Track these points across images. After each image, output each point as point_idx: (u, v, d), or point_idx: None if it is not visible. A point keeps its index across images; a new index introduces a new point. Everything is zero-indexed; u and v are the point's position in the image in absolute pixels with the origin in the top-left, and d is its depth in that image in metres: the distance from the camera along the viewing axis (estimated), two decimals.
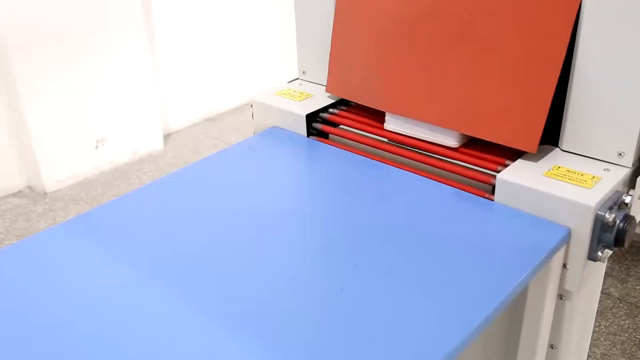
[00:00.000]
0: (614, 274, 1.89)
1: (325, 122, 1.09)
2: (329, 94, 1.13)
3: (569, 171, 0.86)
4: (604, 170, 0.86)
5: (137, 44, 2.60)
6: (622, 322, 1.72)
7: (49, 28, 2.30)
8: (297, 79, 1.23)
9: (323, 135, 1.09)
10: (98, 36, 2.46)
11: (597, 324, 1.70)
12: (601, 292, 0.97)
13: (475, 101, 0.93)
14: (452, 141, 0.95)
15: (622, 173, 0.85)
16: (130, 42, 2.57)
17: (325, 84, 1.16)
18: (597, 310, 0.98)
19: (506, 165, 0.88)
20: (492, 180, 0.88)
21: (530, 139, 0.86)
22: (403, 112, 0.99)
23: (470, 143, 0.96)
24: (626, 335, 1.68)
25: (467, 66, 0.94)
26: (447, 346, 0.62)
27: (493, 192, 0.87)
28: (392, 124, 1.02)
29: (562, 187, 0.82)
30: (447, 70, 0.96)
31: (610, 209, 0.80)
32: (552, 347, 0.94)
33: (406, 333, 0.65)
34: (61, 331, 0.67)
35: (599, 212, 0.79)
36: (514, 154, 0.90)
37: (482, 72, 0.92)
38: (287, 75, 1.27)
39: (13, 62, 2.24)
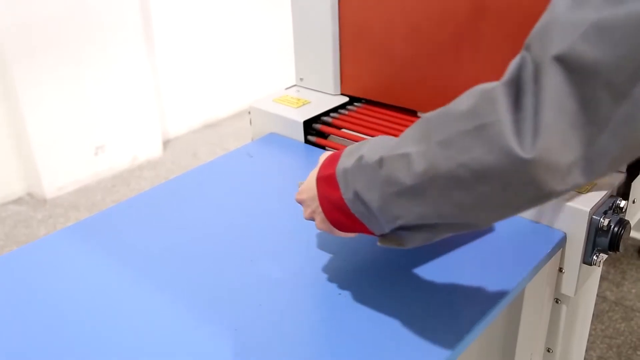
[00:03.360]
0: (609, 278, 1.90)
1: (322, 130, 1.10)
2: (326, 99, 1.14)
3: None
4: None
5: (136, 51, 2.60)
6: (618, 325, 1.72)
7: (48, 35, 2.30)
8: (295, 85, 1.24)
9: (321, 139, 1.10)
10: (97, 43, 2.46)
11: (593, 327, 1.70)
12: (597, 295, 0.97)
13: None
14: None
15: (617, 178, 0.86)
16: (129, 49, 2.57)
17: (322, 91, 1.17)
18: (593, 314, 0.98)
19: None
20: None
21: None
22: (426, 109, 1.00)
23: None
24: (622, 338, 1.68)
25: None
26: (444, 351, 0.63)
27: None
28: None
29: None
30: (460, 63, 0.96)
31: (605, 213, 0.81)
32: (548, 351, 0.95)
33: (403, 338, 0.65)
34: (61, 337, 0.68)
35: (594, 217, 0.80)
36: None
37: (495, 67, 0.92)
38: (285, 81, 1.28)
39: (13, 69, 2.25)
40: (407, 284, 0.74)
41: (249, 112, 1.16)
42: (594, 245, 0.81)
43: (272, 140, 1.12)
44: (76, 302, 0.73)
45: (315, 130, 1.10)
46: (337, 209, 0.63)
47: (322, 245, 0.83)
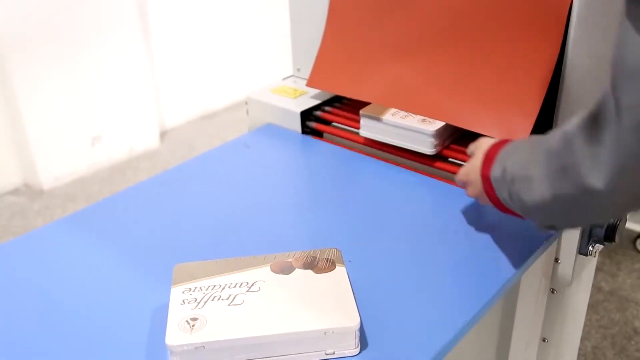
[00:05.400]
0: (604, 269, 1.91)
1: (319, 119, 1.10)
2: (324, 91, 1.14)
3: None
4: None
5: (133, 42, 2.59)
6: (613, 315, 1.74)
7: (45, 26, 2.29)
8: (292, 75, 1.23)
9: (317, 132, 1.10)
10: (94, 34, 2.45)
11: (588, 317, 1.71)
12: (592, 286, 0.98)
13: (467, 93, 0.94)
14: (427, 148, 0.94)
15: None
16: (126, 39, 2.56)
17: None
18: (588, 304, 0.99)
19: None
20: None
21: (522, 132, 0.87)
22: (390, 104, 1.00)
23: (458, 140, 0.97)
24: (617, 328, 1.69)
25: (460, 58, 0.95)
26: (441, 340, 0.64)
27: None
28: (367, 129, 1.00)
29: None
30: (437, 62, 0.97)
31: None
32: (544, 340, 0.95)
33: (401, 328, 0.66)
34: (58, 326, 0.68)
35: None
36: None
37: (474, 64, 0.93)
38: (282, 72, 1.28)
39: (9, 59, 2.23)
40: (402, 275, 0.74)
41: (246, 103, 1.16)
42: (590, 235, 0.82)
43: (269, 130, 1.12)
44: (73, 292, 0.73)
45: (312, 120, 1.10)
46: (499, 203, 0.75)
47: (319, 236, 0.83)
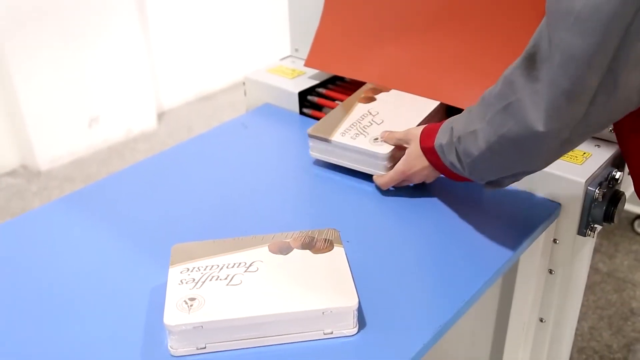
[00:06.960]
0: (602, 250, 1.91)
1: (315, 105, 1.09)
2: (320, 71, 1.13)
3: None
4: (595, 146, 0.87)
5: (130, 23, 2.56)
6: (610, 296, 1.74)
7: (41, 8, 2.26)
8: (290, 56, 1.22)
9: (316, 110, 1.09)
10: (91, 15, 2.42)
11: (586, 298, 1.72)
12: (590, 267, 0.98)
13: (465, 73, 0.93)
14: (381, 171, 0.87)
15: (613, 149, 0.86)
16: (123, 21, 2.53)
17: None
18: (586, 285, 0.99)
19: None
20: None
21: None
22: (387, 83, 1.00)
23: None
24: (613, 309, 1.70)
25: (459, 38, 0.94)
26: (439, 319, 0.64)
27: None
28: (317, 151, 0.92)
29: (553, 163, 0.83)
30: (436, 42, 0.96)
31: (600, 184, 0.81)
32: (541, 321, 0.96)
33: (399, 308, 0.66)
34: (56, 305, 0.68)
35: (589, 188, 0.80)
36: None
37: (473, 44, 0.92)
38: (279, 52, 1.27)
39: (5, 40, 2.21)
40: (400, 257, 0.74)
41: (244, 83, 1.15)
42: (589, 216, 0.82)
43: (266, 111, 1.11)
44: (71, 272, 0.73)
45: (310, 101, 1.09)
46: (446, 170, 0.77)
47: (316, 216, 0.83)
